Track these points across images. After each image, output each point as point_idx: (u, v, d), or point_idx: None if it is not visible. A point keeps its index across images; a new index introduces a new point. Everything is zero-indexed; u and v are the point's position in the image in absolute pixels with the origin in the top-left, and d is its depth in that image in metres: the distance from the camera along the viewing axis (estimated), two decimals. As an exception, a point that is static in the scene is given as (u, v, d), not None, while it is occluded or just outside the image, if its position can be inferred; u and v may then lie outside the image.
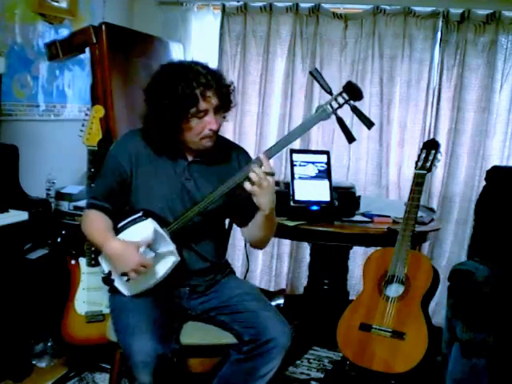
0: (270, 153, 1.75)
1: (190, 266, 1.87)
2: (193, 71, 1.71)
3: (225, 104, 1.78)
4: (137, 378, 1.66)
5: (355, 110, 1.78)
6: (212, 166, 1.88)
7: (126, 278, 1.75)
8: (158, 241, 1.76)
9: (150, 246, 1.75)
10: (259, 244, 1.99)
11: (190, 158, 1.87)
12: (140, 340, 1.65)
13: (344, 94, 1.75)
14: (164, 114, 1.72)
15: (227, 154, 1.93)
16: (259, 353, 1.76)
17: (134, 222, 1.79)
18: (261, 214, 1.78)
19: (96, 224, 1.83)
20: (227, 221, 2.14)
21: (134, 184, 1.84)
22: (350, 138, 1.80)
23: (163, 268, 1.79)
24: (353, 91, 1.75)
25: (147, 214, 1.79)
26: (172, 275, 1.80)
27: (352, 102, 1.76)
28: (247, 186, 1.69)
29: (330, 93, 1.76)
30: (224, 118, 1.83)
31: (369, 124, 1.80)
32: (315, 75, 1.78)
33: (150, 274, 1.78)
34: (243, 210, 1.86)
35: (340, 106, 1.75)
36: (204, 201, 1.77)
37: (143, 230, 1.77)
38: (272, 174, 1.71)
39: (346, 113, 1.81)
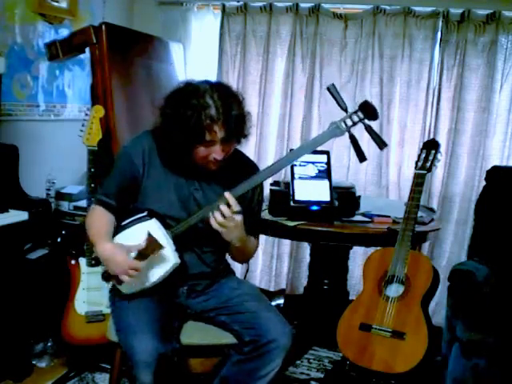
0: (279, 165, 1.76)
1: (190, 270, 1.87)
2: (204, 101, 1.67)
3: (234, 135, 1.74)
4: (138, 377, 1.66)
5: (369, 130, 1.75)
6: (222, 179, 1.86)
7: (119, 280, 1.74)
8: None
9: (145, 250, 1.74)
10: (236, 261, 2.09)
11: (200, 169, 1.84)
12: (141, 339, 1.65)
13: (359, 113, 1.72)
14: (171, 137, 1.73)
15: (238, 168, 1.90)
16: (260, 354, 1.76)
17: (138, 221, 1.79)
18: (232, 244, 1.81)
19: (98, 223, 1.84)
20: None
21: (143, 184, 1.84)
22: (362, 158, 1.76)
23: (161, 271, 1.78)
24: (368, 111, 1.73)
25: (152, 215, 1.79)
26: (171, 276, 1.80)
27: (367, 121, 1.74)
28: (213, 223, 1.70)
29: (346, 110, 1.74)
30: (238, 143, 1.80)
31: (382, 144, 1.77)
32: (332, 91, 1.76)
33: (148, 275, 1.78)
34: None
35: (354, 124, 1.72)
36: (205, 209, 1.76)
37: (145, 230, 1.77)
38: (239, 213, 1.70)
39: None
